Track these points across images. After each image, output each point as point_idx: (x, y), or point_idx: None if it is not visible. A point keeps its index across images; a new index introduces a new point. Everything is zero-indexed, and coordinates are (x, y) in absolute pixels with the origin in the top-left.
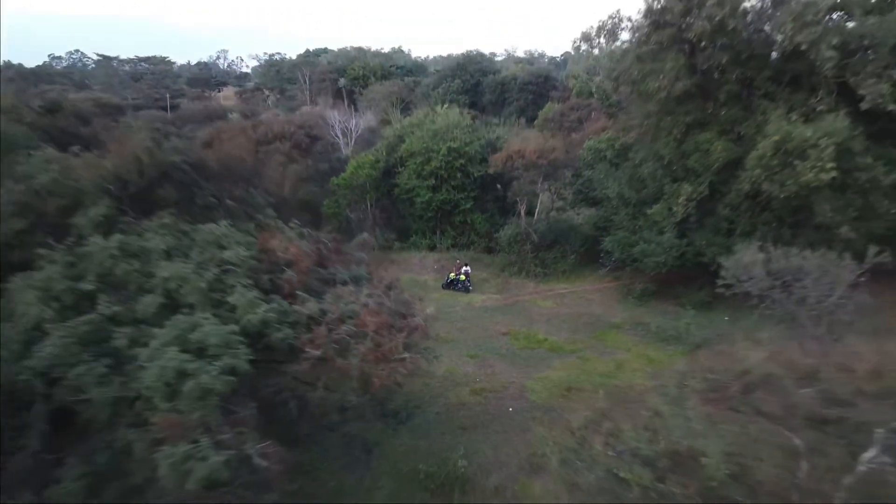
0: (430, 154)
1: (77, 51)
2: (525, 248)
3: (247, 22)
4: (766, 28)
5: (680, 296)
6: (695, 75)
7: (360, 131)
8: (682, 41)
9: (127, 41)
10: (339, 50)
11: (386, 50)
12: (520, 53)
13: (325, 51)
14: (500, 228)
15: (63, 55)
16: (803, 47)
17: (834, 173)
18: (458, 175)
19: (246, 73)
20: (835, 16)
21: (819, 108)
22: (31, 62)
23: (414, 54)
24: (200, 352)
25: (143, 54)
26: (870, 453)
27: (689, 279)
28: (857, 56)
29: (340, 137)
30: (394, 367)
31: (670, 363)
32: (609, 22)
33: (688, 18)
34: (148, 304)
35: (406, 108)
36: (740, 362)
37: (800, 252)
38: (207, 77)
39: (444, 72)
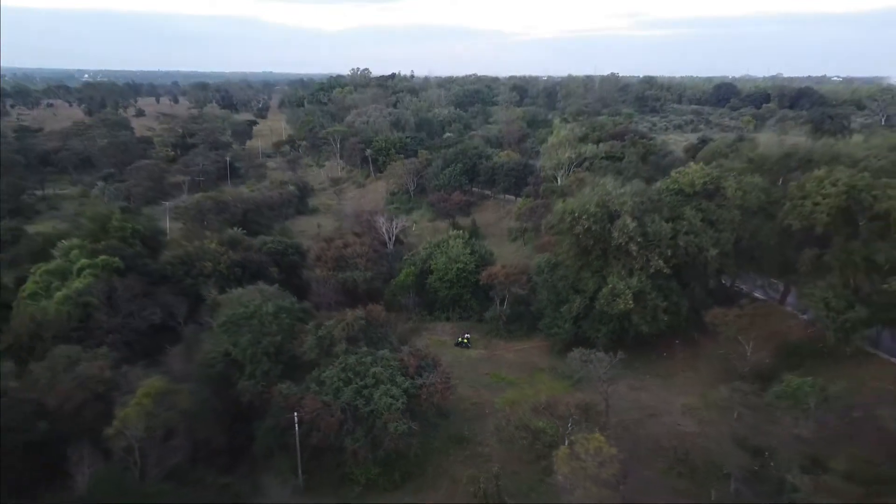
0: (447, 271)
1: (103, 71)
2: (499, 322)
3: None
4: (610, 229)
5: None
6: (579, 248)
7: (397, 230)
8: (573, 233)
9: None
10: (351, 73)
11: (388, 72)
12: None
13: (340, 77)
14: (487, 309)
15: (88, 75)
16: (623, 243)
17: (632, 305)
18: (463, 281)
19: (268, 107)
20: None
21: (635, 268)
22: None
23: (417, 72)
24: (394, 397)
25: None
26: (570, 424)
27: (582, 344)
28: (650, 245)
29: (385, 233)
30: (447, 399)
31: (559, 392)
32: (571, 135)
33: (572, 223)
34: (370, 381)
35: (421, 178)
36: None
37: (593, 351)
38: (248, 130)
39: (449, 157)
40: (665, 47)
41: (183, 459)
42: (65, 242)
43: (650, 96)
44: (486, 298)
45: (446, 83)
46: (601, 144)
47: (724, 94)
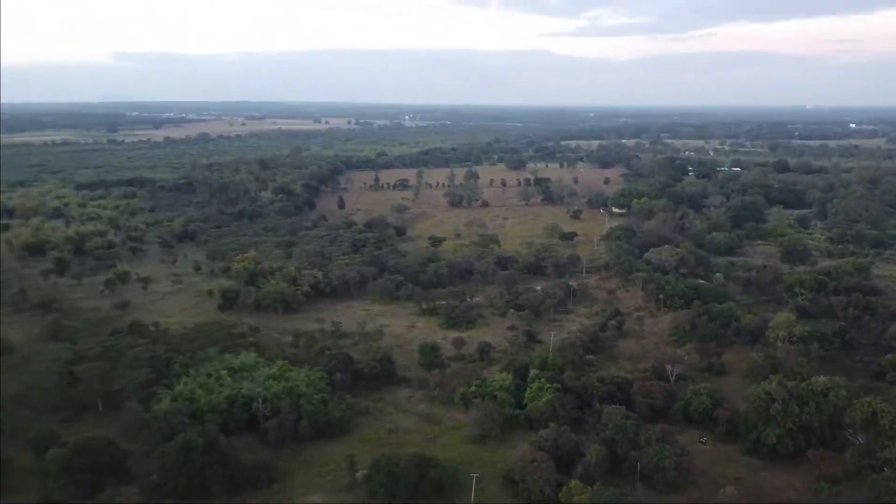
0: (698, 407)
1: (421, 109)
2: (722, 433)
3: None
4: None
5: None
6: (758, 408)
7: (676, 372)
8: (754, 404)
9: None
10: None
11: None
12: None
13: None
14: (716, 426)
15: (409, 116)
16: (774, 413)
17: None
18: (707, 413)
19: (581, 210)
20: None
21: (778, 421)
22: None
23: (706, 102)
24: (671, 457)
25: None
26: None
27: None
28: (788, 415)
29: (670, 374)
30: (692, 467)
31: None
32: (789, 319)
33: (754, 399)
34: (662, 456)
35: (693, 321)
36: None
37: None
38: (575, 256)
39: (713, 314)
40: None
41: None
42: (531, 372)
43: None
44: (717, 420)
45: (728, 183)
46: (811, 322)
47: None
